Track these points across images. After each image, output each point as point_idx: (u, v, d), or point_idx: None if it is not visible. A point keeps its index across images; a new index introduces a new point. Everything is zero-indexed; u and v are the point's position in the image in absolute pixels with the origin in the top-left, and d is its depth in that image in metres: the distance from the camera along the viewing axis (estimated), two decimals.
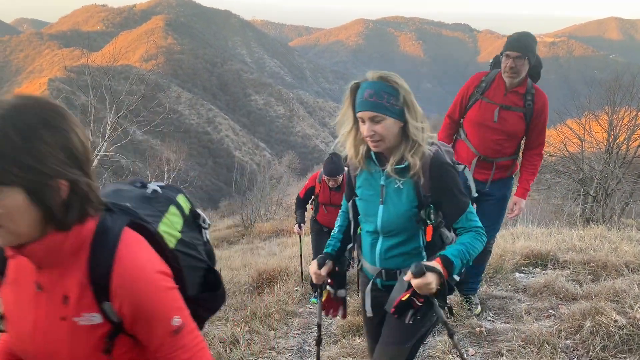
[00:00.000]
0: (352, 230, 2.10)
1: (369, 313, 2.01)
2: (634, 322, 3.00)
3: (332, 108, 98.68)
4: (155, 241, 1.16)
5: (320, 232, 4.72)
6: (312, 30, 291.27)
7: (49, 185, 0.97)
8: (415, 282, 1.64)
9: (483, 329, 3.36)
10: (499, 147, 3.25)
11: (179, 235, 1.29)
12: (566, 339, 3.09)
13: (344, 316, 2.17)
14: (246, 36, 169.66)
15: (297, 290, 4.97)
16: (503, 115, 3.19)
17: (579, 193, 13.29)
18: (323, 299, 2.10)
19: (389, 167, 1.80)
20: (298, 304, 4.58)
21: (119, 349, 1.11)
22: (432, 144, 1.81)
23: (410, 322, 1.81)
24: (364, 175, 1.95)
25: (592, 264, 4.33)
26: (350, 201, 2.07)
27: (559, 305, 3.62)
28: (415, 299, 1.76)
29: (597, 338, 2.95)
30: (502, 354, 2.98)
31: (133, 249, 1.09)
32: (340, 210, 2.17)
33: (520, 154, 3.45)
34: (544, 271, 4.51)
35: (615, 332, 2.94)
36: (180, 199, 1.39)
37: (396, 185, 1.83)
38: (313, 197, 4.79)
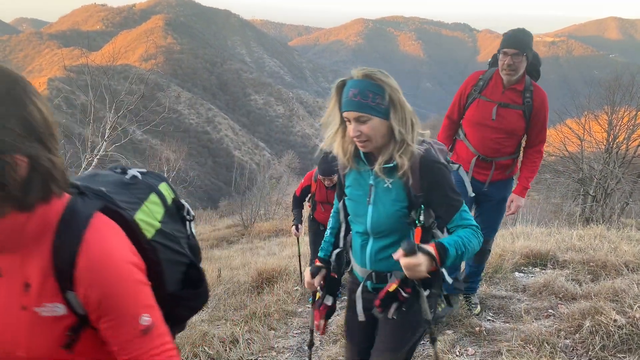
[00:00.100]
0: (342, 233, 2.05)
1: (361, 317, 1.92)
2: (633, 321, 3.00)
3: None
4: (131, 230, 1.08)
5: (317, 232, 4.71)
6: (311, 29, 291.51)
7: (2, 160, 0.88)
8: (404, 261, 1.54)
9: (482, 328, 3.36)
10: (498, 146, 3.21)
11: (158, 225, 1.21)
12: (565, 338, 3.09)
13: (323, 331, 2.02)
14: (246, 36, 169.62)
15: (297, 290, 4.97)
16: (501, 113, 3.15)
17: (578, 193, 13.30)
18: (315, 302, 2.05)
19: (376, 167, 1.73)
20: (297, 304, 4.58)
21: (83, 345, 1.03)
22: (423, 142, 1.75)
23: (394, 318, 1.75)
24: (353, 175, 1.89)
25: (591, 264, 4.33)
26: (341, 202, 2.02)
27: (559, 305, 3.62)
28: (402, 290, 1.71)
29: (597, 338, 2.95)
30: (501, 354, 2.98)
31: (103, 234, 1.00)
32: (332, 211, 2.13)
33: (521, 153, 3.42)
34: (543, 271, 4.51)
35: (614, 331, 2.94)
36: (163, 187, 1.31)
37: (385, 185, 1.77)
38: (310, 195, 4.78)
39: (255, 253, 9.90)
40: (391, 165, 1.71)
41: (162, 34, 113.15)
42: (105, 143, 9.67)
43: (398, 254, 1.56)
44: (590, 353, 2.90)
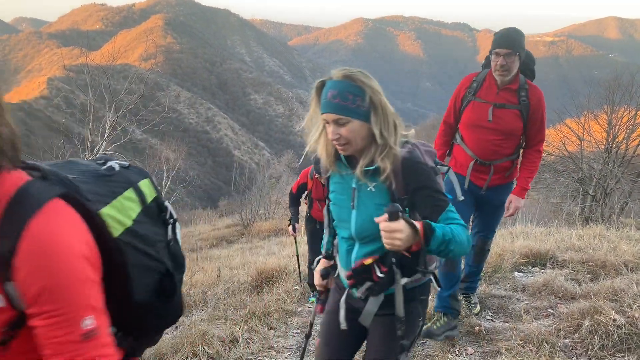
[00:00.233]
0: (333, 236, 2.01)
1: (343, 325, 1.84)
2: (632, 321, 3.01)
3: None
4: (93, 223, 0.97)
5: (314, 231, 4.69)
6: (311, 29, 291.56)
7: None
8: (384, 225, 1.46)
9: (482, 328, 3.36)
10: (496, 148, 3.16)
11: (129, 223, 1.10)
12: (565, 338, 3.10)
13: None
14: (245, 35, 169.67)
15: (297, 289, 4.96)
16: (497, 113, 3.11)
17: (578, 192, 13.31)
18: (320, 298, 2.06)
19: (357, 171, 1.67)
20: (297, 303, 4.58)
21: (21, 344, 0.92)
22: (406, 142, 1.69)
23: (362, 297, 1.72)
24: (335, 179, 1.83)
25: (591, 263, 4.34)
26: (325, 207, 1.94)
27: (558, 305, 3.63)
28: (377, 268, 1.66)
29: (596, 337, 2.96)
30: (501, 353, 2.98)
31: (54, 221, 0.89)
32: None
33: (521, 155, 3.39)
34: (543, 270, 4.52)
35: (613, 331, 2.95)
36: (144, 184, 1.21)
37: (369, 189, 1.70)
38: (306, 192, 4.75)
39: (255, 252, 9.91)
40: (372, 168, 1.64)
41: (162, 34, 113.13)
42: (104, 142, 9.67)
43: (380, 218, 1.49)
44: (589, 352, 2.90)
